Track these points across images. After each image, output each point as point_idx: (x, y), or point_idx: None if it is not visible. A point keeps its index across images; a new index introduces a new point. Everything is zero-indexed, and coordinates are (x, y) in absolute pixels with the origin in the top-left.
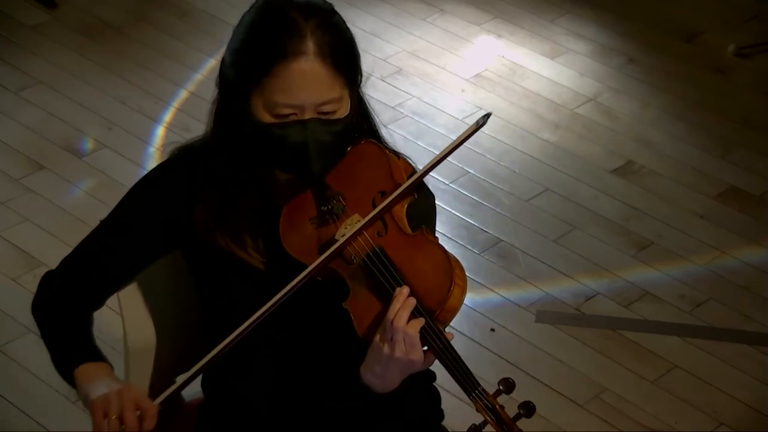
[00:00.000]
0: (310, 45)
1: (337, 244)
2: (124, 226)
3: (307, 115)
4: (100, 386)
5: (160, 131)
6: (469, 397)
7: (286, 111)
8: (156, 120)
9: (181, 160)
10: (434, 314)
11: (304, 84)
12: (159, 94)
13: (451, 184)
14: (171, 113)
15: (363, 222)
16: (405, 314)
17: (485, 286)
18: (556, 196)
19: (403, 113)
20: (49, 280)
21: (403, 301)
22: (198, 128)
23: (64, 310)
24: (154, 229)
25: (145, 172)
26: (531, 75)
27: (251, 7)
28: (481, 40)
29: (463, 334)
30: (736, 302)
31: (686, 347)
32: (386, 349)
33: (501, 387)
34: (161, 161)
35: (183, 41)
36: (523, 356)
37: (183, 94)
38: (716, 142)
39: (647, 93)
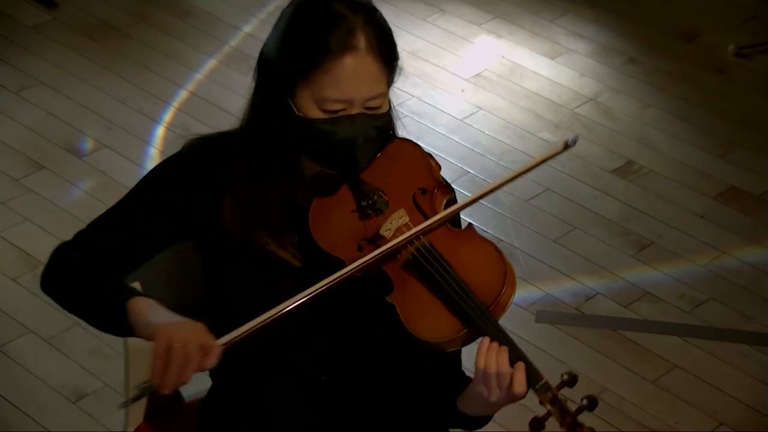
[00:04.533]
0: (362, 40)
1: (394, 242)
2: (141, 208)
3: (355, 110)
4: (163, 315)
5: (160, 131)
6: (532, 389)
7: (336, 106)
8: (156, 120)
9: (200, 152)
10: (488, 308)
11: (356, 79)
12: (159, 94)
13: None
14: (171, 113)
15: (432, 221)
16: (504, 358)
17: None
18: (556, 196)
19: (403, 113)
20: (64, 251)
21: (489, 348)
22: (198, 128)
23: (87, 273)
24: (168, 216)
25: (144, 173)
26: (531, 75)
27: (291, 2)
28: (481, 40)
29: None
30: (736, 302)
31: (686, 347)
32: (493, 396)
33: (564, 378)
34: (179, 150)
35: (183, 41)
36: None
37: (183, 94)
38: (716, 142)
39: (647, 93)
